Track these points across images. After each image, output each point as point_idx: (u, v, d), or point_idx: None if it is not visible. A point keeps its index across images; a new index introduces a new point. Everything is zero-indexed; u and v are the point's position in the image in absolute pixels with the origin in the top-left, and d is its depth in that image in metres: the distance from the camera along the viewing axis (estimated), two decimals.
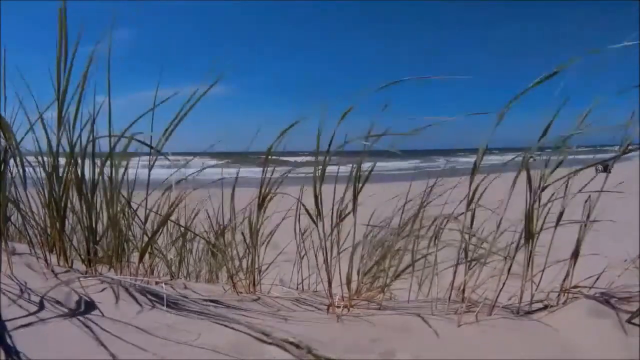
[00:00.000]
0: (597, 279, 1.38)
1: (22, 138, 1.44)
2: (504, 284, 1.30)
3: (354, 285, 1.52)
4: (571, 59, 1.17)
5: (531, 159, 1.27)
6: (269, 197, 1.66)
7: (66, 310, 1.11)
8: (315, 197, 1.44)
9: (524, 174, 1.29)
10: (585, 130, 1.25)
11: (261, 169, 1.62)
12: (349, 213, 1.46)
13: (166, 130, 1.46)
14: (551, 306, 1.31)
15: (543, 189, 1.28)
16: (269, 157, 1.57)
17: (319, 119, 1.39)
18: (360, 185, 1.46)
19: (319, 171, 1.43)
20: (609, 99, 1.26)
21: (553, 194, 1.30)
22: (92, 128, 1.47)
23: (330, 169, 1.47)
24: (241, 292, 1.69)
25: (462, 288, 1.44)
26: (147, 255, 1.70)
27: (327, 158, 1.42)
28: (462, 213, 1.40)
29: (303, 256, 1.78)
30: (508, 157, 1.41)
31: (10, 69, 1.46)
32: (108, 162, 1.49)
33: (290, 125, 1.48)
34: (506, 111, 1.25)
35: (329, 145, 1.40)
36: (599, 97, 1.24)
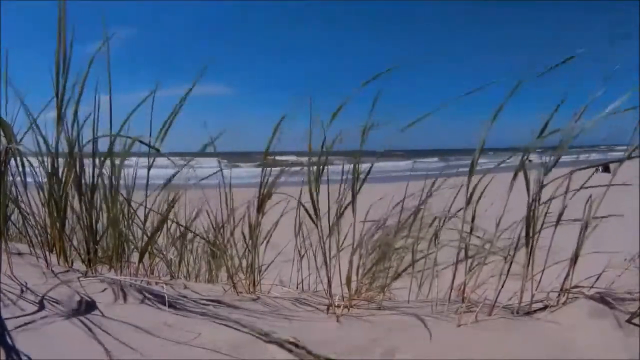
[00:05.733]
0: (597, 279, 1.38)
1: (22, 138, 1.44)
2: (503, 283, 1.30)
3: (353, 285, 1.52)
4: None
5: (527, 160, 1.27)
6: (267, 197, 1.66)
7: (66, 310, 1.11)
8: (311, 197, 1.44)
9: (521, 173, 1.29)
10: (582, 126, 1.24)
11: (260, 168, 1.62)
12: (347, 205, 1.46)
13: (161, 130, 1.47)
14: (551, 306, 1.31)
15: (541, 188, 1.28)
16: (267, 156, 1.57)
17: (315, 118, 1.39)
18: (359, 185, 1.46)
19: (314, 172, 1.43)
20: (608, 100, 1.26)
21: (553, 193, 1.30)
22: (93, 127, 1.47)
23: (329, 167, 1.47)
24: (241, 292, 1.69)
25: (462, 288, 1.44)
26: (147, 255, 1.70)
27: (322, 158, 1.42)
28: (460, 209, 1.40)
29: (302, 256, 1.78)
30: (506, 157, 1.41)
31: (10, 68, 1.47)
32: (107, 162, 1.49)
33: (281, 118, 1.48)
34: (508, 99, 1.25)
35: (322, 145, 1.40)
36: (596, 92, 1.24)
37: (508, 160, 1.42)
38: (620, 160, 1.21)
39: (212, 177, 1.87)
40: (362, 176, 1.47)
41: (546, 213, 1.30)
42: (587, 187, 1.30)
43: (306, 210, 1.50)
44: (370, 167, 1.54)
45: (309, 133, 1.40)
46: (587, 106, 1.25)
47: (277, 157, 1.62)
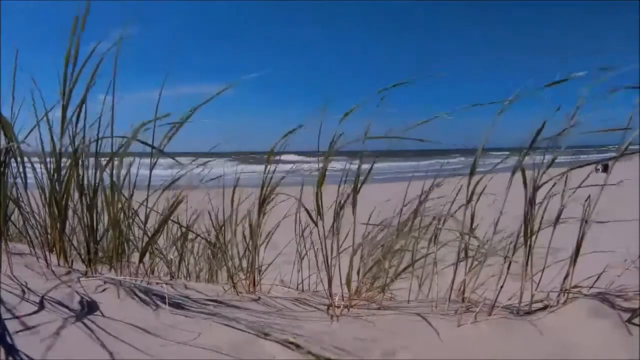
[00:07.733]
0: (597, 279, 1.38)
1: (24, 139, 1.44)
2: (503, 283, 1.30)
3: (354, 285, 1.52)
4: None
5: (525, 159, 1.28)
6: (269, 198, 1.66)
7: (66, 311, 1.11)
8: (316, 198, 1.44)
9: (520, 174, 1.29)
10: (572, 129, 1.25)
11: (262, 168, 1.62)
12: (345, 204, 1.46)
13: (167, 133, 1.47)
14: (551, 306, 1.31)
15: (538, 188, 1.28)
16: (271, 157, 1.57)
17: (321, 120, 1.40)
18: (360, 185, 1.46)
19: (318, 173, 1.43)
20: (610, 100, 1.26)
21: (549, 192, 1.30)
22: (98, 128, 1.48)
23: (330, 167, 1.47)
24: (241, 292, 1.69)
25: (462, 288, 1.44)
26: (147, 255, 1.70)
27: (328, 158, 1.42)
28: (459, 208, 1.40)
29: (303, 256, 1.78)
30: (509, 158, 1.41)
31: (10, 66, 1.47)
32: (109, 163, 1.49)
33: (292, 130, 1.49)
34: (507, 106, 1.25)
35: (330, 146, 1.40)
36: (583, 97, 1.24)
37: (505, 161, 1.43)
38: (616, 157, 1.21)
39: (215, 176, 1.88)
40: (364, 176, 1.47)
41: (544, 212, 1.30)
42: (585, 186, 1.30)
43: (307, 210, 1.50)
44: (371, 167, 1.53)
45: (318, 135, 1.40)
46: (578, 107, 1.25)
47: (282, 157, 1.62)
